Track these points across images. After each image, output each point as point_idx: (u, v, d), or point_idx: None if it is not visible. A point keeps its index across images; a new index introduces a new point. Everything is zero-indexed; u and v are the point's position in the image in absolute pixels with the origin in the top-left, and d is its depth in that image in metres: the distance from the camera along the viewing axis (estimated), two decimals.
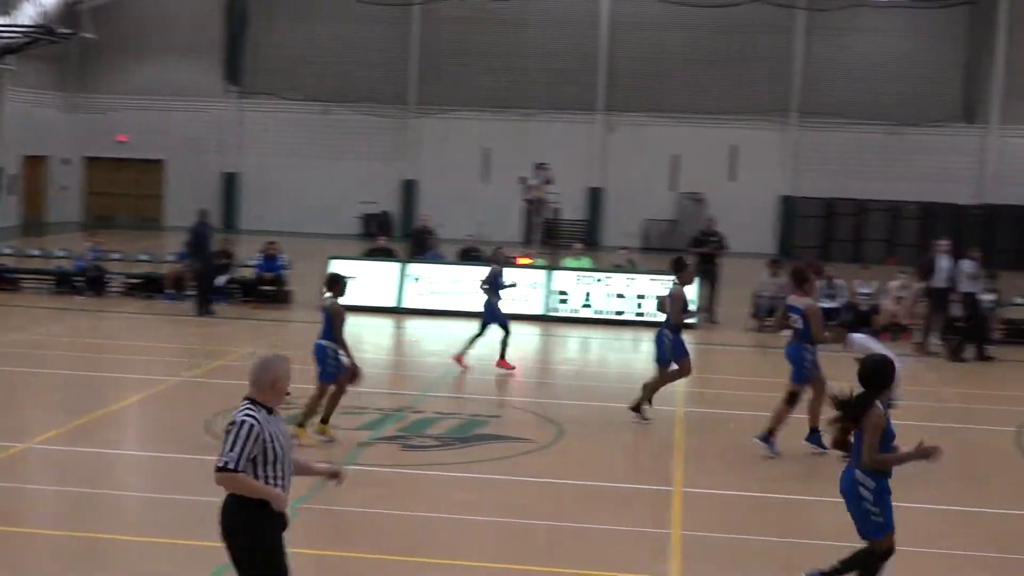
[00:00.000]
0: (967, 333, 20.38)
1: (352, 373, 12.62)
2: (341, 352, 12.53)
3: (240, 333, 20.91)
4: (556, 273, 23.48)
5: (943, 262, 20.65)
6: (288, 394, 6.68)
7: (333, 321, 12.54)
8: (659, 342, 14.15)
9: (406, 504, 10.68)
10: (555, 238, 29.91)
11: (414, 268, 23.77)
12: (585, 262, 24.44)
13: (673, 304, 14.06)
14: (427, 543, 9.72)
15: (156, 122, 42.97)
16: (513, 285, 18.28)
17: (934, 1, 39.80)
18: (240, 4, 43.04)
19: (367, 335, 21.38)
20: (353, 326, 21.62)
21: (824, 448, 12.13)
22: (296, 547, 9.31)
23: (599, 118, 42.00)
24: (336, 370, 12.53)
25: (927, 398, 16.94)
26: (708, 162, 41.49)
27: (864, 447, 7.82)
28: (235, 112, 43.72)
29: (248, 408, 6.42)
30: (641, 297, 22.85)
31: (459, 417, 14.16)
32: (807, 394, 12.77)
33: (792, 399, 12.76)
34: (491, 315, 17.39)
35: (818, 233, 40.35)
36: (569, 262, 24.36)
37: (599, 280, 23.22)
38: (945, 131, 40.77)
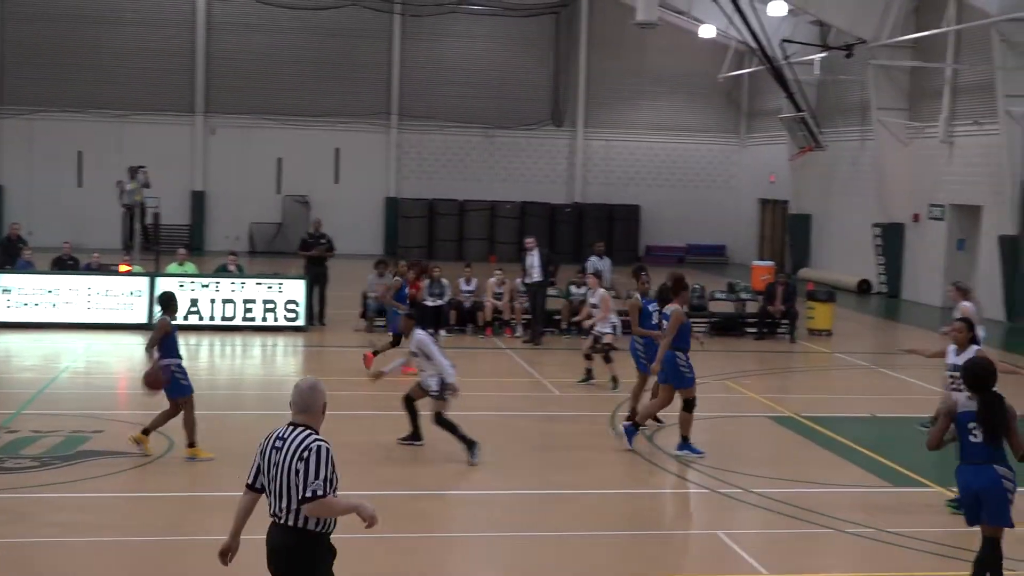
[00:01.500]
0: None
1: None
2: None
3: None
4: (160, 280, 22.72)
5: (532, 259, 21.97)
6: None
7: (154, 334, 12.63)
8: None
9: (4, 531, 10.04)
10: (157, 244, 28.93)
11: (3, 279, 22.27)
12: (189, 268, 23.83)
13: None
14: (30, 570, 9.19)
15: None
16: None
17: (521, 11, 41.96)
18: None
19: None
20: None
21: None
22: None
23: (199, 120, 41.01)
24: (188, 384, 12.73)
25: (534, 388, 17.87)
26: (313, 164, 41.56)
27: (1017, 440, 8.29)
28: None
29: (315, 434, 6.30)
30: (250, 302, 22.59)
31: (60, 435, 13.46)
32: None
33: (689, 405, 13.19)
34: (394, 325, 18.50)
35: (422, 233, 41.35)
36: (173, 268, 23.65)
37: (205, 286, 22.72)
38: (537, 135, 43.07)
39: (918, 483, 12.50)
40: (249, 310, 22.58)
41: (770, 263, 34.52)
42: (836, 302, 25.40)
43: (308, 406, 6.42)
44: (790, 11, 34.46)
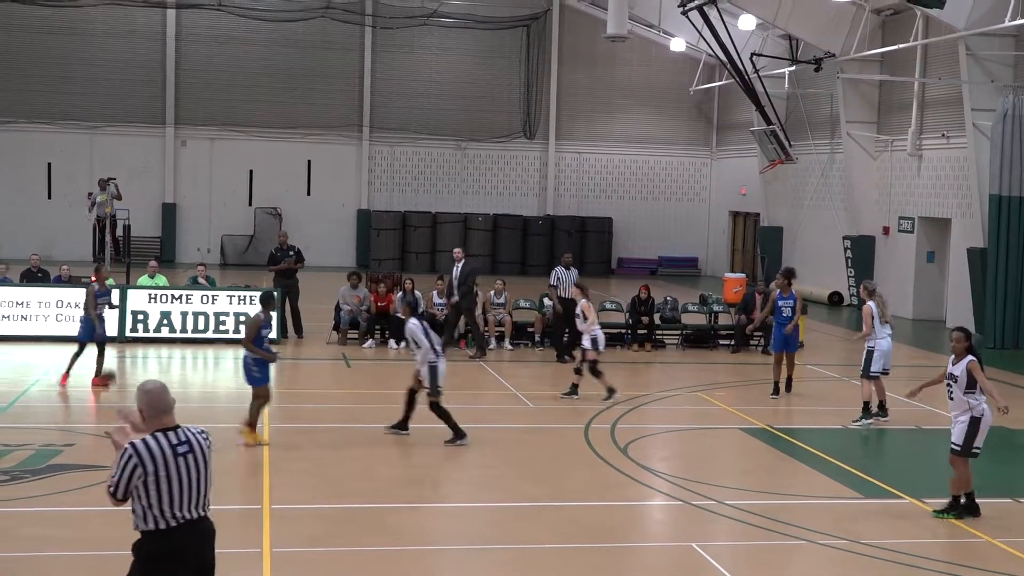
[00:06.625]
0: (568, 336, 21.90)
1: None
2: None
3: None
4: (131, 293, 22.60)
5: (455, 271, 21.98)
6: None
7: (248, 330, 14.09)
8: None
9: None
10: (127, 256, 28.78)
11: None
12: (161, 280, 23.69)
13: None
14: None
15: None
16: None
17: (492, 23, 42.04)
18: None
19: None
20: None
21: None
22: None
23: (169, 131, 40.85)
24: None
25: (509, 401, 17.85)
26: (284, 176, 41.48)
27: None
28: None
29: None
30: (223, 315, 22.47)
31: (30, 448, 13.35)
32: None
33: None
34: None
35: (395, 245, 41.29)
36: (144, 281, 23.52)
37: (177, 299, 22.59)
38: (509, 147, 43.13)
39: (889, 494, 12.57)
40: (222, 323, 22.46)
41: (742, 275, 34.67)
42: (808, 314, 25.49)
43: (168, 407, 6.89)
44: (759, 25, 34.67)
